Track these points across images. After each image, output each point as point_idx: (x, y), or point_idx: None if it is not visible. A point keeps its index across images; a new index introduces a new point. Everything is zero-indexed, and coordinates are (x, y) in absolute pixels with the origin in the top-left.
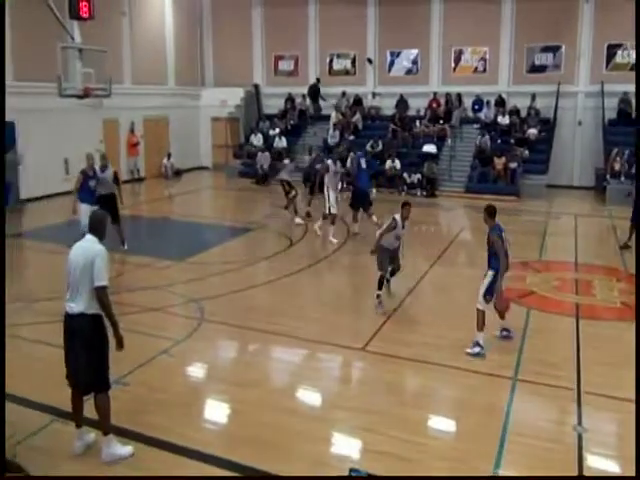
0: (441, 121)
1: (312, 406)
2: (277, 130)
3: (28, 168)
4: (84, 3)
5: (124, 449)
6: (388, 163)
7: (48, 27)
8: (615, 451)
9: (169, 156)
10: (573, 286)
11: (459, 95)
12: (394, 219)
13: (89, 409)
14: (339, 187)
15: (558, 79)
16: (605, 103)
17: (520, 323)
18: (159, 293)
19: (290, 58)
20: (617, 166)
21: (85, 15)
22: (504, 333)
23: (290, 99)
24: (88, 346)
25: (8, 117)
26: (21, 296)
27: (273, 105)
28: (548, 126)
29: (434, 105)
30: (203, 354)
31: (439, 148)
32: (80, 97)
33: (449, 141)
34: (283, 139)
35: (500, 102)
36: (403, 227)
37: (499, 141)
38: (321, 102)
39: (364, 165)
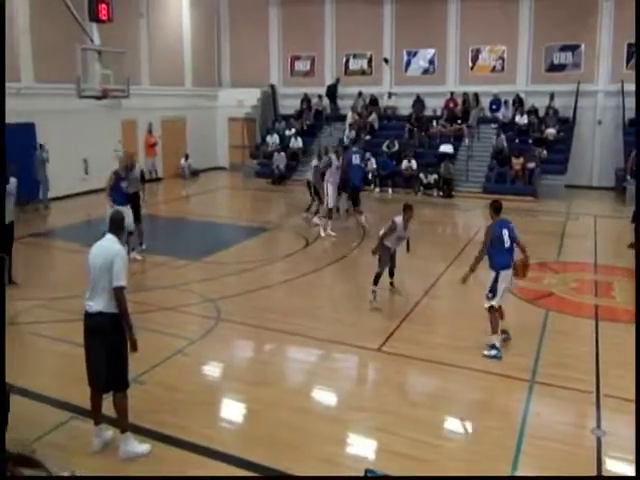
0: (458, 121)
1: (327, 406)
2: (293, 130)
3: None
4: (103, 5)
5: (141, 447)
6: (404, 163)
7: (67, 29)
8: (635, 455)
9: (186, 157)
10: (592, 288)
11: (476, 95)
12: (393, 222)
13: (107, 407)
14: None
15: (577, 78)
16: (625, 102)
17: (538, 325)
18: (175, 292)
19: (306, 58)
20: None
21: (104, 17)
22: (503, 336)
23: (306, 99)
24: (107, 345)
25: (28, 118)
26: (41, 294)
27: (289, 105)
28: (567, 126)
29: (451, 105)
30: (219, 353)
31: (456, 148)
32: (99, 98)
33: (466, 141)
34: (299, 139)
35: (518, 102)
36: (405, 228)
37: (517, 141)
38: (338, 102)
39: (356, 161)
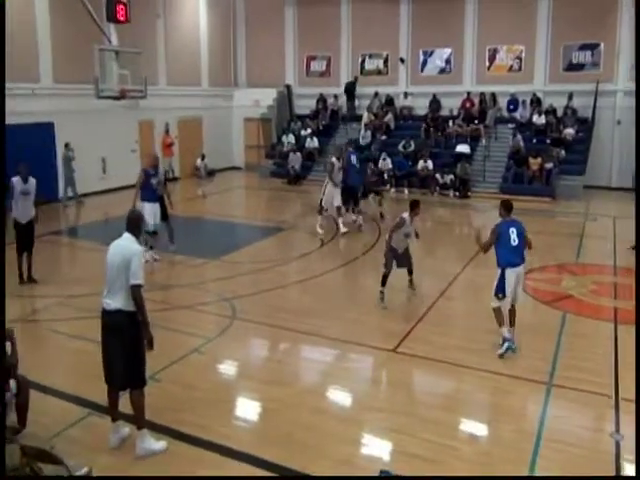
0: (475, 121)
1: (342, 406)
2: (309, 130)
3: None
4: (121, 6)
5: (158, 444)
6: (420, 163)
7: (86, 30)
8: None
9: (203, 157)
10: (611, 290)
11: (493, 94)
12: (401, 218)
13: (124, 404)
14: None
15: (596, 78)
16: None
17: (555, 327)
18: (192, 291)
19: (322, 58)
20: None
21: (122, 18)
22: (510, 342)
23: (322, 99)
24: (124, 343)
25: (48, 118)
26: (59, 292)
27: (305, 105)
28: (586, 126)
29: (468, 105)
30: (234, 352)
31: (473, 148)
32: (117, 98)
33: (483, 141)
34: (315, 139)
35: (536, 101)
36: (411, 224)
37: (534, 141)
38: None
39: (355, 162)
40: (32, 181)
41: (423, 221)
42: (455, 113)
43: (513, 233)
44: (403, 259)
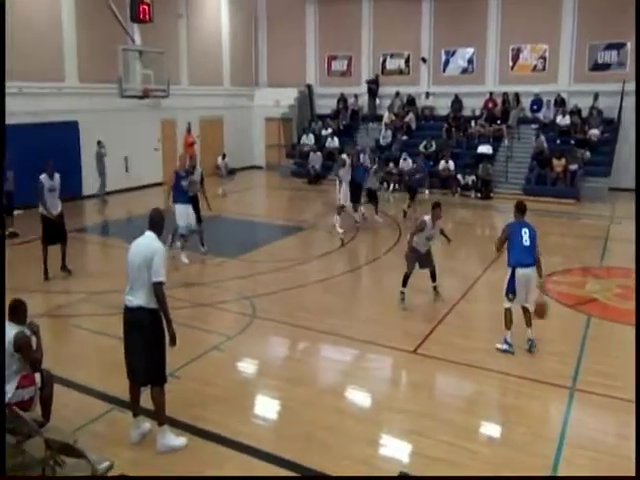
0: (498, 121)
1: (361, 407)
2: (329, 130)
3: (90, 166)
4: (144, 7)
5: (178, 440)
6: (442, 164)
7: (110, 31)
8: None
9: (224, 156)
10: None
11: (517, 94)
12: (423, 221)
13: (145, 399)
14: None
15: (623, 77)
16: None
17: (579, 331)
18: (212, 289)
19: (343, 58)
20: None
21: (145, 18)
22: (509, 347)
23: (343, 99)
24: (146, 340)
25: (72, 117)
26: (83, 288)
27: (326, 105)
28: (611, 126)
29: (490, 105)
30: (254, 350)
31: (495, 149)
32: (140, 98)
33: (506, 142)
34: (335, 139)
35: (560, 102)
36: (433, 227)
37: (558, 142)
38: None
39: (362, 160)
40: (57, 177)
41: (444, 222)
42: (477, 113)
43: (525, 234)
44: (425, 260)
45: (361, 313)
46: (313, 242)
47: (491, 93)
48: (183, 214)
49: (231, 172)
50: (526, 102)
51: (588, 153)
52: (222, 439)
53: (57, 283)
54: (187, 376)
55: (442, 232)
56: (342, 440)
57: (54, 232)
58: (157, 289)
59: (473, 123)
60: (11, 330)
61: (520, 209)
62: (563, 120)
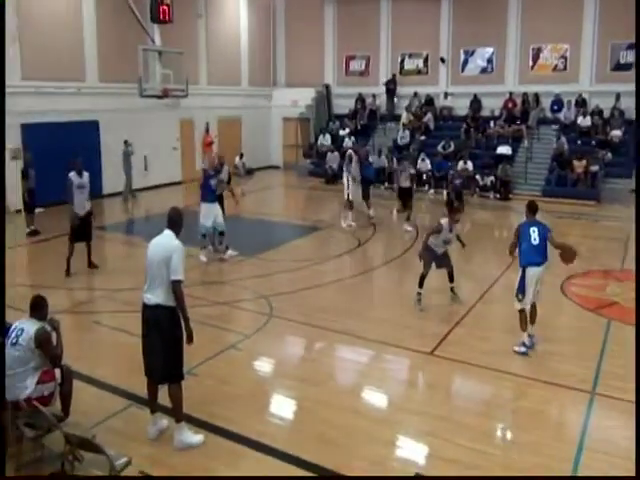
0: (517, 122)
1: (377, 407)
2: (347, 130)
3: (110, 165)
4: (164, 7)
5: (195, 437)
6: (460, 164)
7: (130, 31)
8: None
9: (241, 156)
10: None
11: (537, 95)
12: (439, 223)
13: (163, 396)
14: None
15: None
16: None
17: (600, 335)
18: (229, 288)
19: (361, 58)
20: None
21: (165, 18)
22: (528, 339)
23: (360, 99)
24: (163, 337)
25: (93, 116)
26: (104, 285)
27: (343, 105)
28: (633, 127)
29: (510, 105)
30: (271, 349)
31: (514, 150)
32: (159, 97)
33: (525, 142)
34: (353, 139)
35: (581, 102)
36: (451, 231)
37: (579, 143)
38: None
39: (370, 159)
40: (86, 175)
41: (462, 223)
42: (497, 113)
43: (534, 232)
44: (442, 260)
45: (378, 313)
46: (330, 242)
47: (511, 93)
48: (209, 213)
49: (249, 172)
50: (546, 102)
51: (609, 154)
52: (238, 437)
53: (78, 280)
54: (204, 374)
55: (458, 237)
56: (357, 440)
57: (80, 230)
58: (175, 287)
59: (492, 123)
60: (32, 326)
61: (531, 208)
62: (584, 121)
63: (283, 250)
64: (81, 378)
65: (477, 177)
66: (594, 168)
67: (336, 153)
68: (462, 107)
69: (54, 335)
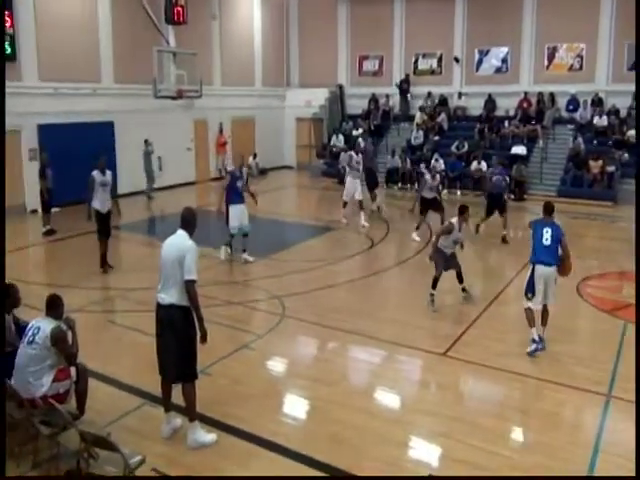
0: (532, 122)
1: (390, 408)
2: (360, 130)
3: (125, 165)
4: (178, 9)
5: (208, 436)
6: (474, 165)
7: (145, 32)
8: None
9: (255, 156)
10: None
11: (552, 94)
12: (450, 223)
13: (177, 395)
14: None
15: None
16: None
17: (616, 336)
18: (242, 288)
19: (375, 58)
20: None
21: (179, 20)
22: (534, 345)
23: (374, 99)
24: (177, 337)
25: (108, 117)
26: (119, 285)
27: (357, 105)
28: None
29: (525, 105)
30: (284, 349)
31: (529, 150)
32: (173, 98)
33: (540, 142)
34: (360, 139)
35: (597, 102)
36: (460, 230)
37: (595, 142)
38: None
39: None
40: (109, 173)
41: (476, 224)
42: (511, 113)
43: (547, 233)
44: (451, 262)
45: (390, 314)
46: (343, 242)
47: (525, 93)
48: (238, 215)
49: (262, 172)
50: (561, 102)
51: (626, 154)
52: (251, 436)
53: (93, 279)
54: (218, 373)
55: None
56: (370, 441)
57: (101, 228)
58: (189, 287)
59: (507, 123)
60: (48, 325)
61: (546, 209)
62: (600, 121)
63: (296, 250)
64: (96, 376)
65: None
66: (610, 168)
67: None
68: (476, 107)
69: (70, 334)
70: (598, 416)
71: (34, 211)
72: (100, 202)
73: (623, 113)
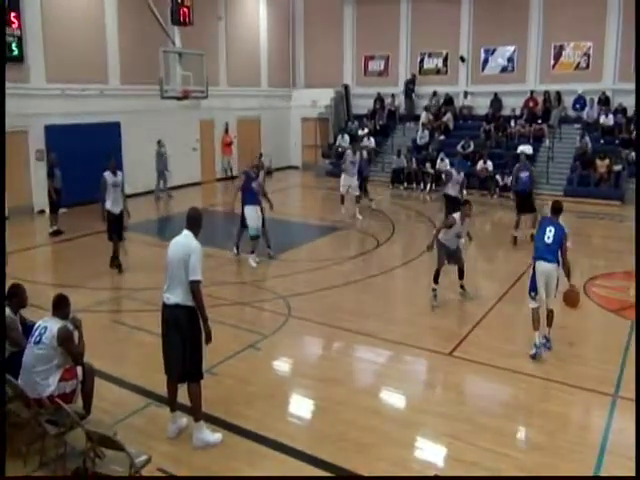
0: (539, 121)
1: (396, 408)
2: (366, 130)
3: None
4: (184, 10)
5: (214, 436)
6: (480, 164)
7: (151, 33)
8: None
9: (260, 155)
10: None
11: (558, 93)
12: (452, 217)
13: (182, 395)
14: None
15: None
16: None
17: (622, 336)
18: (248, 288)
19: (380, 58)
20: None
21: (185, 21)
22: (543, 341)
23: (379, 99)
24: (183, 337)
25: (115, 117)
26: (125, 285)
27: (362, 105)
28: None
29: (531, 104)
30: (289, 349)
31: (535, 149)
32: (179, 99)
33: (547, 142)
34: (372, 139)
35: (604, 100)
36: (462, 224)
37: (602, 141)
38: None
39: (365, 156)
40: (120, 174)
41: (482, 223)
42: (517, 113)
43: (550, 232)
44: (454, 257)
45: (396, 314)
46: (349, 242)
47: (532, 92)
48: (254, 216)
49: (268, 172)
50: (568, 101)
51: (633, 153)
52: (257, 436)
53: (99, 279)
54: (224, 373)
55: (467, 233)
56: (377, 441)
57: (113, 228)
58: (194, 287)
59: (513, 123)
60: (55, 325)
61: (553, 208)
62: (607, 120)
63: (302, 250)
64: (102, 376)
65: (497, 177)
66: (617, 167)
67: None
68: (482, 106)
69: (76, 333)
70: (605, 416)
71: (41, 212)
72: (112, 203)
73: (630, 112)
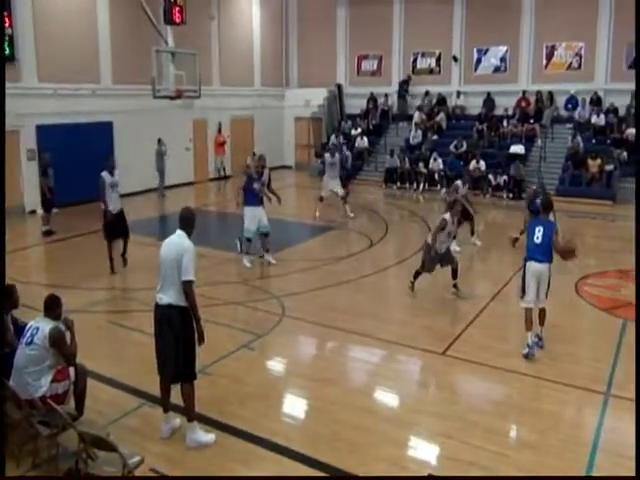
0: (531, 120)
1: (391, 408)
2: (359, 130)
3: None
4: (177, 9)
5: (207, 436)
6: (472, 164)
7: (143, 32)
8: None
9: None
10: None
11: (550, 93)
12: (443, 219)
13: (176, 395)
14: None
15: None
16: None
17: (615, 336)
18: (242, 287)
19: (373, 58)
20: None
21: (178, 20)
22: (536, 339)
23: (372, 99)
24: (176, 337)
25: (107, 117)
26: (119, 285)
27: (355, 105)
28: None
29: (523, 104)
30: (283, 349)
31: (528, 149)
32: (172, 98)
33: (539, 141)
34: (365, 139)
35: (596, 100)
36: (453, 223)
37: (594, 141)
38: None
39: (346, 152)
40: (117, 173)
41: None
42: (510, 112)
43: (539, 232)
44: (445, 258)
45: (390, 314)
46: (343, 242)
47: (524, 92)
48: (254, 217)
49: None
50: (560, 101)
51: (625, 153)
52: (251, 436)
53: (93, 280)
54: (217, 373)
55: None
56: (371, 441)
57: (116, 227)
58: (186, 287)
59: (505, 122)
60: (47, 325)
61: (543, 205)
62: (599, 119)
63: (296, 250)
64: (95, 377)
65: (490, 177)
66: (609, 167)
67: (348, 153)
68: (475, 106)
69: (68, 334)
70: (597, 414)
71: (33, 212)
72: (112, 202)
73: (622, 112)
